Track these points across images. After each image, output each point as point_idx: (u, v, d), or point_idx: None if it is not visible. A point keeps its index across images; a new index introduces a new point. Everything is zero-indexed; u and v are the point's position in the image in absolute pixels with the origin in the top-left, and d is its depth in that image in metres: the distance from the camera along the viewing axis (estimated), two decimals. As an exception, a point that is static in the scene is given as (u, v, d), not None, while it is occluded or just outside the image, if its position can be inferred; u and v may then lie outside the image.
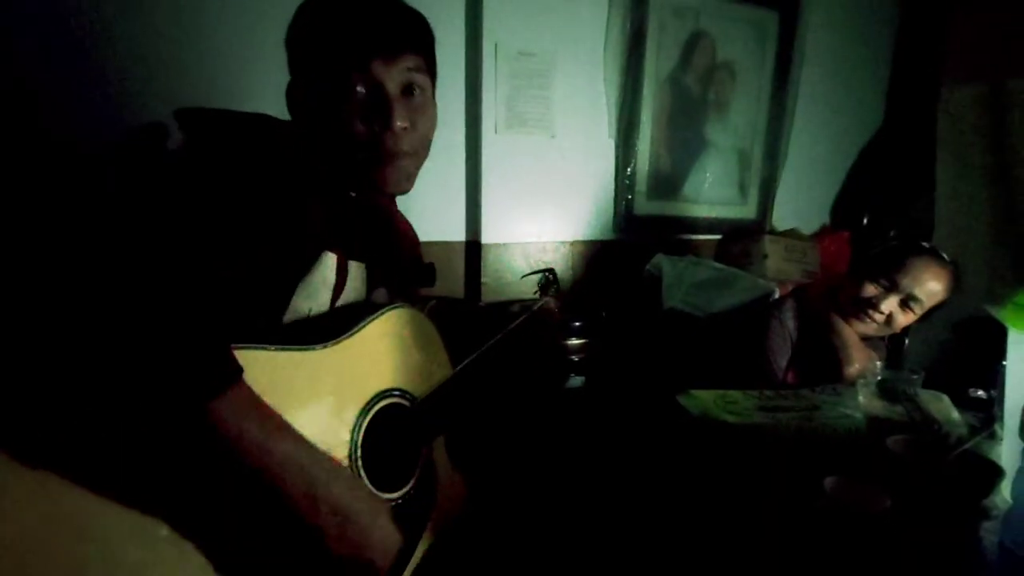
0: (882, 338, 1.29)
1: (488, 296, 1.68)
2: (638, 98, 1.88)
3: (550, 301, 0.94)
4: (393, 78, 0.65)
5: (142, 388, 0.45)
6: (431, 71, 0.70)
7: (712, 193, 2.09)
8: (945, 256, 1.18)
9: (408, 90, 0.66)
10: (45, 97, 1.18)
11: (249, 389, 0.51)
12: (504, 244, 1.70)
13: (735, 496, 0.78)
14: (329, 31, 0.63)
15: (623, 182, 1.91)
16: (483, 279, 1.68)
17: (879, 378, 0.97)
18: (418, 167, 0.71)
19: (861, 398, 0.93)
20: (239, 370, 0.50)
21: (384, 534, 0.58)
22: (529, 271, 1.06)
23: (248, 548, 0.54)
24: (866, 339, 1.22)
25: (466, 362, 0.78)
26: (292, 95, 0.70)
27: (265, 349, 0.56)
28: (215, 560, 0.52)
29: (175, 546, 0.51)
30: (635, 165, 1.92)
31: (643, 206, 1.96)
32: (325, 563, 0.55)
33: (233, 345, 0.52)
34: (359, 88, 0.63)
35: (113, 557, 0.48)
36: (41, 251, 0.46)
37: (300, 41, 0.67)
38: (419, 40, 0.68)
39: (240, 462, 0.50)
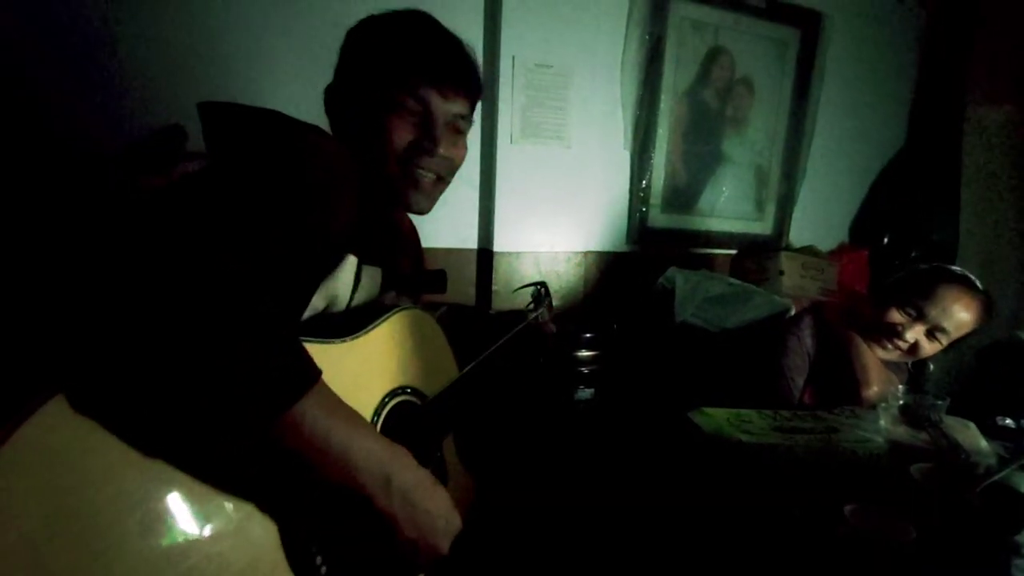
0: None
1: (499, 304, 1.67)
2: (655, 111, 1.88)
3: (544, 314, 0.95)
4: (444, 111, 0.70)
5: (230, 394, 0.45)
6: (471, 116, 0.77)
7: (728, 207, 2.07)
8: (978, 284, 1.12)
9: (453, 126, 0.72)
10: (55, 101, 1.19)
11: (327, 385, 0.53)
12: (516, 253, 1.69)
13: (749, 518, 0.75)
14: (400, 53, 0.68)
15: (638, 194, 1.90)
16: (494, 287, 1.67)
17: (901, 402, 0.94)
18: (442, 192, 0.76)
19: (883, 422, 0.90)
20: (318, 369, 0.51)
21: (447, 520, 0.60)
22: (520, 285, 1.07)
23: (317, 532, 0.56)
24: (886, 362, 1.18)
25: (467, 368, 0.80)
26: (335, 98, 0.73)
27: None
28: (285, 539, 0.54)
29: (242, 526, 0.51)
30: (650, 177, 1.91)
31: (657, 218, 1.95)
32: (392, 546, 0.58)
33: None
34: (409, 111, 0.68)
35: (183, 532, 0.48)
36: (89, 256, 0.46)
37: (367, 52, 0.70)
38: (475, 90, 0.74)
39: (325, 454, 0.51)
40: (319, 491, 0.54)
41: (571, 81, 1.71)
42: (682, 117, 1.94)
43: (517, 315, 0.95)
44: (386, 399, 0.68)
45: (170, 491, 0.48)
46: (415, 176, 0.70)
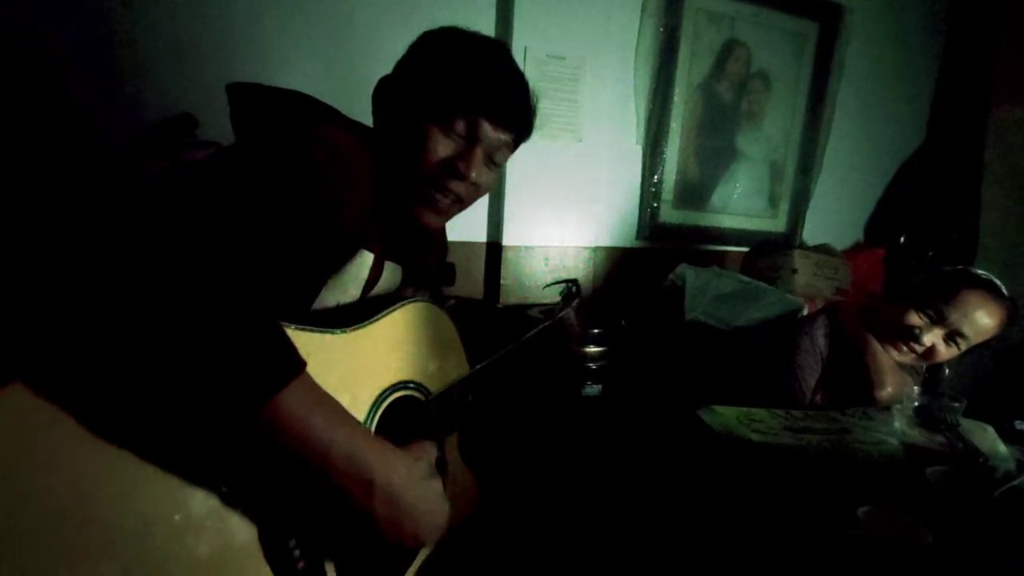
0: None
1: (507, 298, 1.66)
2: (668, 105, 1.85)
3: (571, 314, 0.91)
4: (488, 140, 0.69)
5: (206, 383, 0.45)
6: (511, 153, 0.76)
7: (741, 204, 2.03)
8: (1003, 290, 1.08)
9: (492, 157, 0.71)
10: (75, 83, 1.19)
11: (311, 378, 0.51)
12: (525, 247, 1.68)
13: (758, 519, 0.74)
14: (468, 78, 0.67)
15: (649, 189, 1.87)
16: (502, 281, 1.66)
17: (917, 404, 0.92)
18: (457, 213, 0.74)
19: (897, 424, 0.88)
20: (302, 361, 0.50)
21: (435, 515, 0.59)
22: (553, 281, 1.03)
23: (297, 523, 0.55)
24: (901, 364, 1.16)
25: (483, 364, 0.77)
26: (388, 91, 0.72)
27: (285, 327, 0.55)
28: (262, 530, 0.53)
29: (216, 513, 0.51)
30: (662, 172, 1.88)
31: (669, 214, 1.92)
32: (373, 541, 0.56)
33: None
34: (456, 133, 0.67)
35: (155, 519, 0.47)
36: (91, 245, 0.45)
37: (437, 64, 0.69)
38: (525, 132, 0.74)
39: (303, 450, 0.50)
40: (299, 484, 0.53)
41: (583, 73, 1.69)
42: (696, 111, 1.91)
43: (540, 309, 0.92)
44: (386, 393, 0.66)
45: (143, 477, 0.47)
46: (434, 196, 0.69)
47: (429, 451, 0.66)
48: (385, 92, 0.73)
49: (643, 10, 1.75)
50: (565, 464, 1.12)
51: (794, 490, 0.74)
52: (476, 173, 0.68)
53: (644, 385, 1.44)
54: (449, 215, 0.73)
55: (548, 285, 1.05)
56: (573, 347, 0.95)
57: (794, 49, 2.02)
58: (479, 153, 0.68)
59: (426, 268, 0.83)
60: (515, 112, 0.71)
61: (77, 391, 0.45)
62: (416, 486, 0.57)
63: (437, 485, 0.60)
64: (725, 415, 0.90)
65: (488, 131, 0.68)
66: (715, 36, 1.89)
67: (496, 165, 0.73)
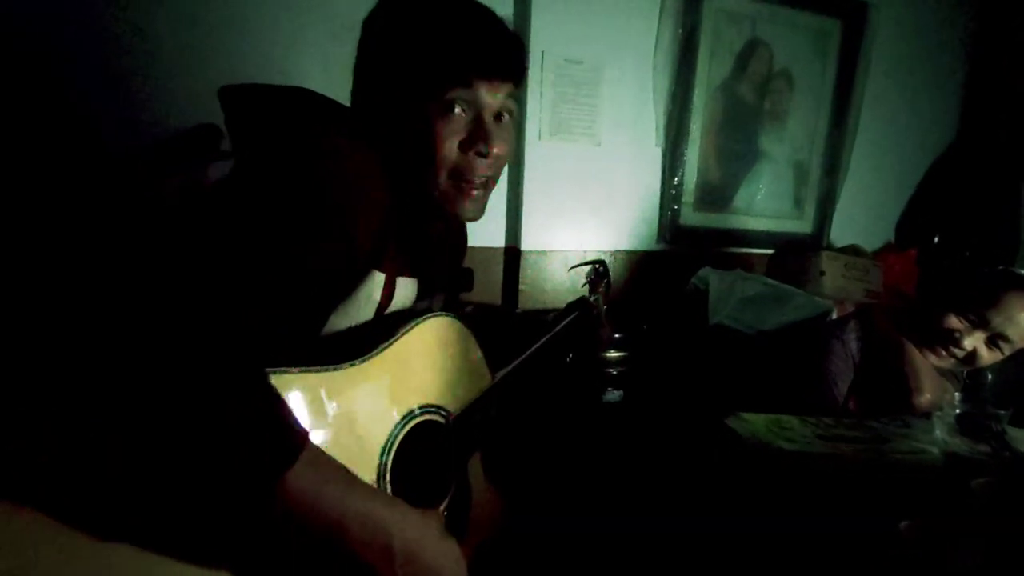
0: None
1: (526, 303, 1.65)
2: (688, 106, 1.82)
3: (599, 298, 0.85)
4: (492, 104, 0.61)
5: (203, 475, 0.43)
6: (517, 95, 0.67)
7: (765, 205, 1.99)
8: None
9: (499, 116, 0.63)
10: (85, 91, 1.17)
11: (316, 448, 0.49)
12: (544, 251, 1.67)
13: (790, 532, 0.71)
14: (440, 41, 0.58)
15: (669, 192, 1.85)
16: (521, 286, 1.65)
17: (959, 411, 0.87)
18: (490, 192, 0.67)
19: (938, 432, 0.83)
20: (305, 433, 0.47)
21: (452, 573, 0.56)
22: (579, 263, 0.97)
23: None
24: (939, 369, 1.11)
25: (506, 369, 0.74)
26: (363, 101, 0.64)
27: (286, 372, 0.52)
28: None
29: None
30: (683, 175, 1.86)
31: (690, 217, 1.89)
32: None
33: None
34: (458, 110, 0.59)
35: None
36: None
37: (401, 46, 0.60)
38: (520, 69, 0.64)
39: (315, 524, 0.47)
40: (315, 557, 0.50)
41: (602, 77, 1.68)
42: (716, 112, 1.88)
43: (556, 313, 0.87)
44: (403, 421, 0.62)
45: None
46: (462, 188, 0.62)
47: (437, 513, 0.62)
48: (359, 102, 0.64)
49: (661, 11, 1.73)
50: (588, 474, 1.09)
51: (829, 503, 0.71)
52: (496, 146, 0.60)
53: (666, 391, 1.40)
54: (485, 200, 0.66)
55: (574, 267, 1.00)
56: (602, 333, 0.88)
57: (817, 47, 1.97)
58: (488, 120, 0.60)
59: (443, 273, 0.78)
60: (505, 58, 0.61)
61: (71, 490, 0.42)
62: (435, 544, 0.54)
63: (452, 543, 0.57)
64: (754, 423, 0.87)
65: (486, 93, 0.60)
66: (735, 36, 1.86)
67: (507, 122, 0.64)
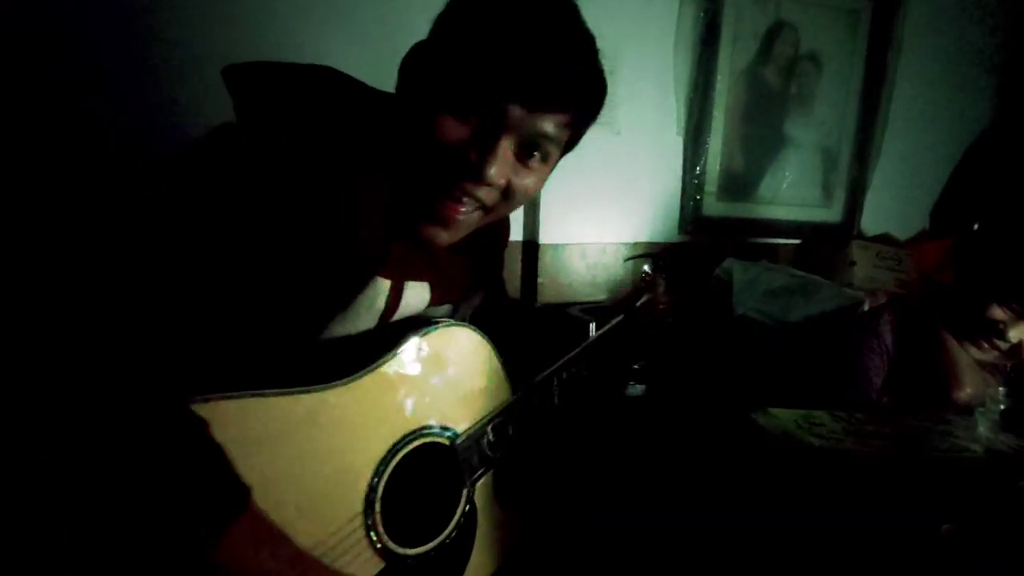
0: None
1: (544, 297, 1.63)
2: (710, 93, 1.77)
3: (660, 296, 0.74)
4: (524, 126, 0.52)
5: (140, 525, 0.39)
6: (566, 138, 0.58)
7: (792, 194, 1.93)
8: None
9: (530, 147, 0.54)
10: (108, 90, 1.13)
11: (257, 510, 0.45)
12: (563, 244, 1.65)
13: (821, 533, 0.68)
14: (490, 44, 0.50)
15: (691, 181, 1.80)
16: (540, 279, 1.64)
17: (1003, 407, 0.83)
18: (479, 222, 0.58)
19: (981, 429, 0.80)
20: (246, 490, 0.44)
21: None
22: (633, 255, 0.87)
23: None
24: (980, 363, 1.06)
25: (521, 393, 0.66)
26: (412, 63, 0.57)
27: (261, 396, 0.48)
28: None
29: None
30: (705, 163, 1.81)
31: (712, 207, 1.84)
32: None
33: (220, 395, 0.45)
34: (471, 115, 0.51)
35: None
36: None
37: (456, 25, 0.53)
38: (579, 100, 0.56)
39: None
40: None
41: (620, 65, 1.64)
42: (740, 98, 1.82)
43: (581, 307, 0.77)
44: (397, 446, 0.56)
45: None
46: (441, 202, 0.53)
47: None
48: (406, 66, 0.57)
49: (682, -4, 1.69)
50: (612, 474, 1.05)
51: (863, 502, 0.68)
52: (495, 170, 0.51)
53: (690, 385, 1.38)
54: (463, 227, 0.56)
55: (628, 259, 0.92)
56: (652, 341, 0.78)
57: (847, 28, 1.89)
58: (504, 141, 0.51)
59: (465, 277, 0.69)
60: (557, 84, 0.51)
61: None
62: None
63: None
64: (781, 418, 0.84)
65: (520, 113, 0.51)
66: (759, 19, 1.80)
67: (542, 160, 0.55)
